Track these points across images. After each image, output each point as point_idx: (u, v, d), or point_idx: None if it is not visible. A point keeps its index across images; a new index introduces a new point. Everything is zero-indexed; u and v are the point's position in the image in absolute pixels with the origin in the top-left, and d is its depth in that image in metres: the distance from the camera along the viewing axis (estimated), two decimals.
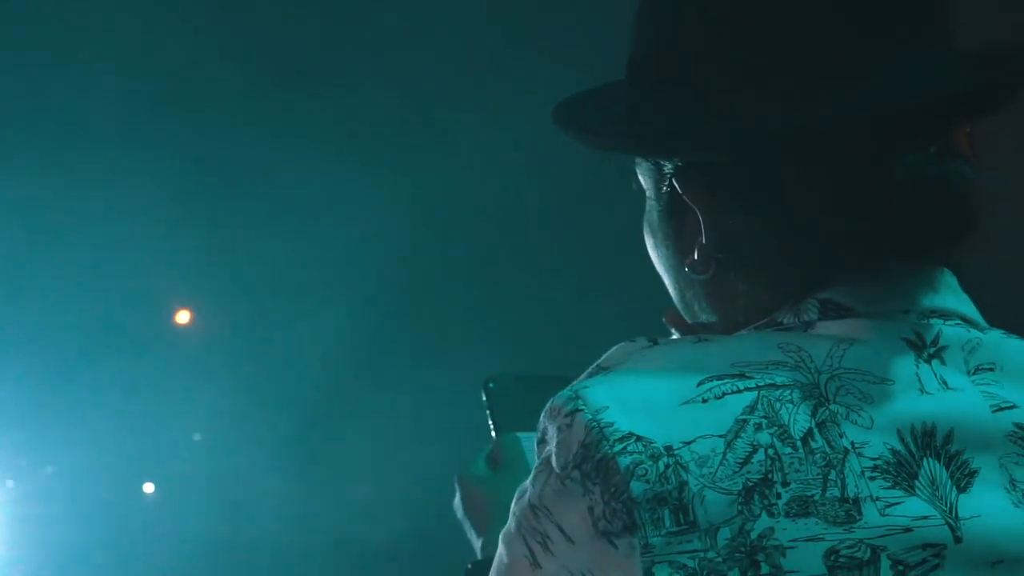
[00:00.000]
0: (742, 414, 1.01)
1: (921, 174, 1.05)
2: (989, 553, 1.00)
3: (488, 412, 1.59)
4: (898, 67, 1.05)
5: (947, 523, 1.00)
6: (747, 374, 1.03)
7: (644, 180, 1.21)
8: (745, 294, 1.12)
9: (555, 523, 1.03)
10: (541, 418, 1.09)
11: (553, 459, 1.04)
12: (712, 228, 1.12)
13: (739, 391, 1.02)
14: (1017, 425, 1.05)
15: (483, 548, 1.48)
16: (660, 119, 1.11)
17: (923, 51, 1.06)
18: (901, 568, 0.98)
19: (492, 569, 1.10)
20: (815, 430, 1.00)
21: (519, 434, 1.55)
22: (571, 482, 1.02)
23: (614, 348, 1.11)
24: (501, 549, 1.09)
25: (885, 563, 0.98)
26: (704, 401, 1.02)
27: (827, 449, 1.00)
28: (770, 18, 1.07)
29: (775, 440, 1.00)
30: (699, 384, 1.03)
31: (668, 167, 1.16)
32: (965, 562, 1.00)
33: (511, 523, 1.08)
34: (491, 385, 1.59)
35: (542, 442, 1.08)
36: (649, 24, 1.15)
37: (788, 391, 1.02)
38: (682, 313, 1.22)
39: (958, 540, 1.00)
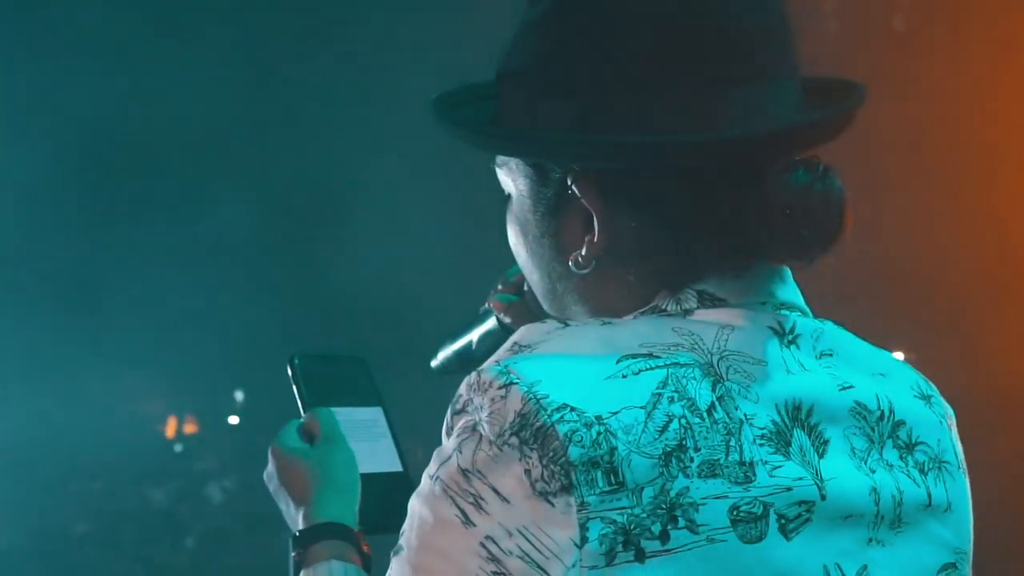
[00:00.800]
0: (656, 388, 1.18)
1: (809, 187, 1.24)
2: (843, 509, 1.21)
3: (295, 388, 1.68)
4: (768, 96, 1.25)
5: (815, 484, 1.20)
6: (654, 354, 1.20)
7: (515, 182, 1.35)
8: (627, 285, 1.29)
9: (489, 485, 1.16)
10: (460, 390, 1.21)
11: (484, 427, 1.17)
12: (603, 228, 1.28)
13: (652, 368, 1.19)
14: (856, 402, 1.27)
15: (305, 517, 1.57)
16: (565, 128, 1.26)
17: (784, 81, 1.27)
18: (783, 522, 1.18)
19: (408, 530, 1.21)
20: (716, 403, 1.19)
21: (332, 409, 1.65)
22: (508, 448, 1.16)
23: (525, 329, 1.25)
24: (420, 510, 1.20)
25: (772, 517, 1.18)
26: (624, 377, 1.18)
27: (727, 420, 1.18)
28: (667, 45, 1.24)
29: (686, 411, 1.17)
30: (618, 362, 1.19)
31: (557, 172, 1.30)
32: (827, 517, 1.20)
33: (433, 487, 1.19)
34: (296, 361, 1.68)
35: (461, 412, 1.20)
36: (540, 39, 1.29)
37: (691, 369, 1.19)
38: (546, 303, 1.37)
39: (823, 498, 1.20)
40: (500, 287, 1.61)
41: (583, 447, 1.15)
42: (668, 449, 1.16)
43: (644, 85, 1.23)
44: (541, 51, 1.28)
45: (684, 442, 1.16)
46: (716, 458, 1.17)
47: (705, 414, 1.18)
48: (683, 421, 1.17)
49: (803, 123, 1.25)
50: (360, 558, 1.53)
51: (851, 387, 1.27)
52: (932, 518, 1.27)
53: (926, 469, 1.28)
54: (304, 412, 1.68)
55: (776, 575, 1.17)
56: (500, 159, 1.37)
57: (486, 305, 1.62)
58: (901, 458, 1.27)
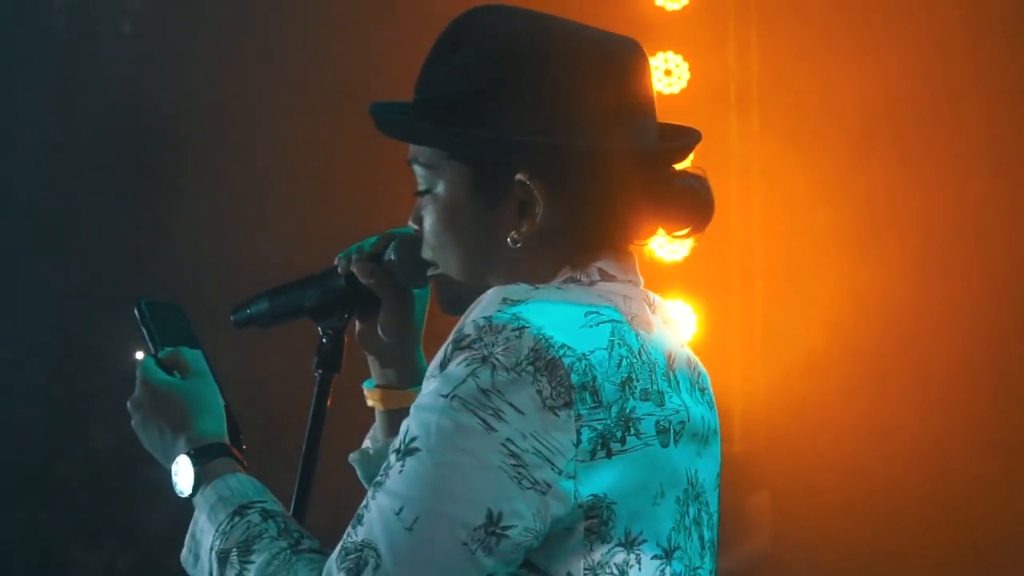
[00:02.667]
0: (610, 336, 1.69)
1: (692, 185, 1.81)
2: (693, 429, 1.78)
3: (145, 329, 1.97)
4: (652, 126, 1.82)
5: (686, 409, 1.77)
6: (600, 312, 1.71)
7: (445, 178, 1.80)
8: (542, 260, 1.78)
9: (507, 401, 1.62)
10: (465, 327, 1.65)
11: (499, 359, 1.62)
12: (543, 212, 1.76)
13: (604, 321, 1.70)
14: (687, 356, 1.84)
15: (189, 440, 1.88)
16: (529, 136, 1.74)
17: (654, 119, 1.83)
18: (673, 435, 1.73)
19: (424, 436, 1.63)
20: (641, 348, 1.72)
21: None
22: (524, 374, 1.62)
23: (502, 289, 1.71)
24: (437, 420, 1.62)
25: (672, 430, 1.73)
26: (591, 327, 1.69)
27: (649, 361, 1.72)
28: (598, 89, 1.77)
29: (629, 353, 1.70)
30: (585, 316, 1.69)
31: (501, 170, 1.77)
32: (688, 434, 1.77)
33: (450, 403, 1.62)
34: (143, 305, 1.98)
35: (466, 348, 1.64)
36: (495, 72, 1.75)
37: (623, 324, 1.72)
38: (464, 272, 1.81)
39: (688, 420, 1.77)
40: (355, 256, 2.00)
41: (578, 375, 1.64)
42: (623, 379, 1.68)
43: (583, 114, 1.75)
44: (501, 79, 1.75)
45: (631, 375, 1.69)
46: (647, 387, 1.71)
47: (638, 356, 1.71)
48: (628, 360, 1.69)
49: (681, 146, 1.82)
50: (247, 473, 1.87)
51: (683, 345, 1.85)
52: (716, 441, 1.87)
53: (711, 407, 1.88)
54: (155, 350, 1.97)
55: (671, 472, 1.73)
56: (425, 159, 1.81)
57: (336, 268, 2.01)
58: (703, 397, 1.86)
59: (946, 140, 6.26)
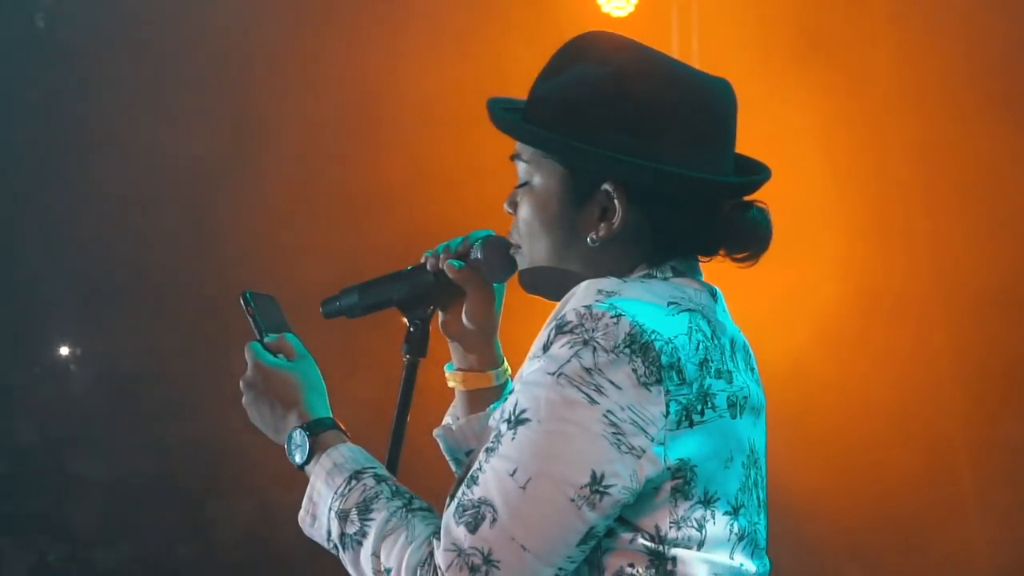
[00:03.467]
0: (688, 323, 2.00)
1: (756, 218, 2.12)
2: (754, 403, 2.09)
3: (252, 318, 2.25)
4: (730, 160, 2.12)
5: (747, 386, 2.08)
6: (679, 303, 2.02)
7: (542, 176, 2.09)
8: (619, 258, 2.08)
9: (607, 379, 1.92)
10: (567, 314, 1.95)
11: (599, 342, 1.92)
12: (622, 218, 2.06)
13: (683, 311, 2.01)
14: (743, 341, 2.15)
15: (300, 415, 2.16)
16: (624, 154, 2.03)
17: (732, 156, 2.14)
18: (739, 408, 2.04)
19: (533, 409, 1.92)
20: (713, 334, 2.03)
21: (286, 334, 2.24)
22: (622, 355, 1.92)
23: (595, 281, 2.01)
24: (546, 394, 1.92)
25: (739, 404, 2.04)
26: (674, 315, 1.99)
27: (719, 344, 2.03)
28: (689, 121, 2.07)
29: (704, 338, 2.01)
30: (668, 305, 2.00)
31: (592, 176, 2.06)
32: (750, 407, 2.08)
33: (557, 380, 1.91)
34: (248, 296, 2.25)
35: (568, 332, 1.94)
36: (608, 90, 2.04)
37: (697, 313, 2.03)
38: (546, 261, 2.11)
39: (750, 395, 2.08)
40: (440, 255, 2.29)
41: (667, 356, 1.94)
42: (701, 360, 1.99)
43: (676, 141, 2.06)
44: (608, 98, 2.05)
45: (707, 356, 2.00)
46: (719, 367, 2.02)
47: (711, 340, 2.02)
48: (704, 344, 2.00)
49: (758, 181, 2.13)
50: None
51: (739, 331, 2.16)
52: (764, 414, 2.18)
53: (760, 384, 2.19)
54: (261, 336, 2.24)
55: (737, 440, 2.04)
56: (528, 156, 2.11)
57: (424, 264, 2.30)
58: (755, 376, 2.17)
59: (882, 152, 6.70)
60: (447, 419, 2.38)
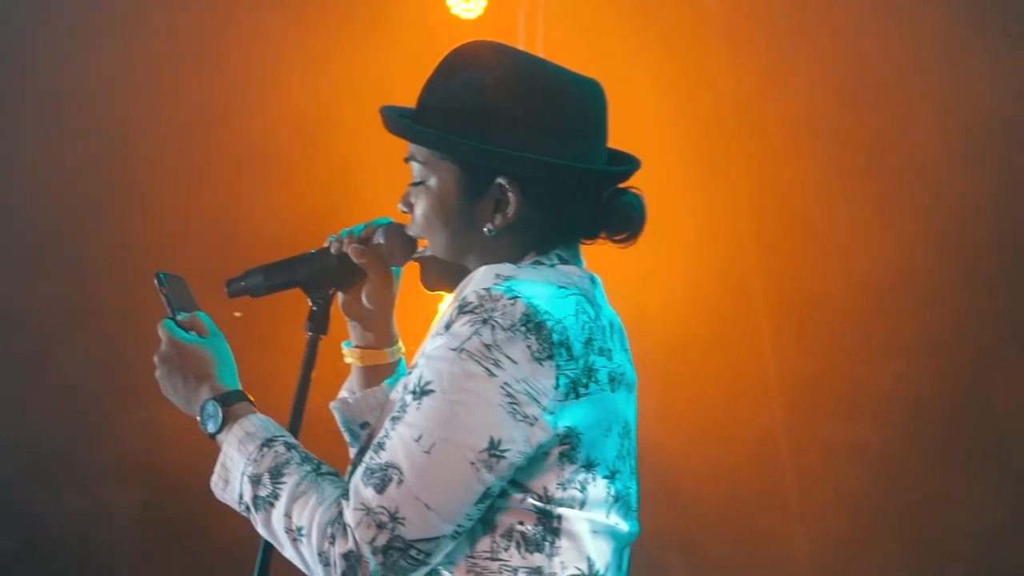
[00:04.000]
0: (575, 305, 2.24)
1: (631, 202, 2.37)
2: (628, 380, 2.34)
3: (166, 297, 2.43)
4: (605, 153, 2.37)
5: (624, 365, 2.33)
6: (567, 287, 2.26)
7: (438, 174, 2.32)
8: (510, 246, 2.32)
9: (504, 354, 2.15)
10: (468, 296, 2.18)
11: (498, 321, 2.16)
12: (516, 209, 2.30)
13: (571, 295, 2.25)
14: (620, 323, 2.40)
15: (212, 387, 2.35)
16: (509, 150, 2.27)
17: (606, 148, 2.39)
18: (617, 383, 2.29)
19: (437, 380, 2.14)
20: (597, 315, 2.28)
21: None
22: (519, 333, 2.16)
23: (492, 267, 2.25)
24: (448, 368, 2.14)
25: (617, 380, 2.29)
26: (562, 298, 2.23)
27: (601, 325, 2.28)
28: (570, 118, 2.32)
29: (589, 320, 2.25)
30: (557, 289, 2.24)
31: (487, 173, 2.30)
32: (625, 384, 2.32)
33: (459, 355, 2.14)
34: (162, 276, 2.44)
35: (470, 312, 2.17)
36: (499, 94, 2.28)
37: (583, 297, 2.27)
38: (447, 251, 2.34)
39: (625, 373, 2.33)
40: (344, 239, 2.50)
41: (557, 335, 2.19)
42: (586, 339, 2.23)
43: (559, 137, 2.30)
44: (497, 101, 2.29)
45: (591, 336, 2.24)
46: (602, 346, 2.26)
47: (595, 321, 2.27)
48: (589, 325, 2.25)
49: (631, 169, 2.38)
50: None
51: (616, 315, 2.41)
52: (635, 392, 2.43)
53: (632, 364, 2.44)
54: (174, 314, 2.43)
55: (615, 412, 2.29)
56: (423, 157, 2.34)
57: (328, 248, 2.50)
58: (629, 356, 2.42)
59: (722, 153, 7.04)
60: (343, 393, 2.59)
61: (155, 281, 2.45)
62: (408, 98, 2.41)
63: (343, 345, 2.58)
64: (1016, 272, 7.45)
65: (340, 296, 2.55)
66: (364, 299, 2.54)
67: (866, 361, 7.50)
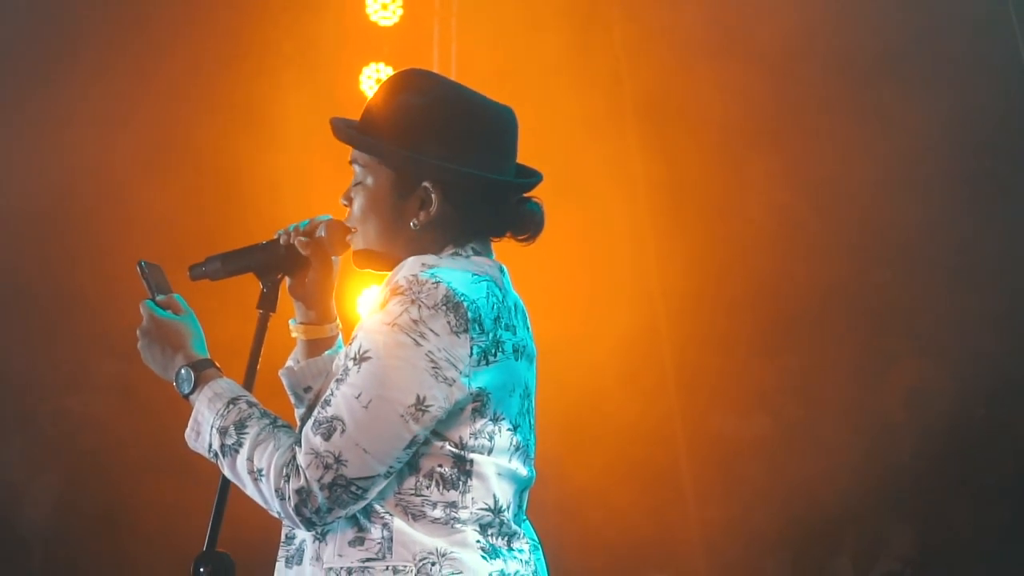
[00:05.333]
0: (487, 290, 2.81)
1: (533, 209, 2.94)
2: (529, 352, 2.91)
3: (147, 281, 2.97)
4: (513, 167, 2.95)
5: (526, 339, 2.90)
6: (479, 274, 2.83)
7: (375, 175, 2.88)
8: (432, 240, 2.88)
9: (428, 328, 2.72)
10: (399, 281, 2.75)
11: (423, 301, 2.72)
12: (437, 209, 2.87)
13: (483, 281, 2.82)
14: (523, 305, 2.97)
15: (186, 356, 2.90)
16: (441, 161, 2.84)
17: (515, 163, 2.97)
18: (519, 354, 2.86)
19: (373, 348, 2.70)
20: (504, 297, 2.85)
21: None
22: (440, 311, 2.72)
23: (419, 257, 2.81)
24: (383, 338, 2.70)
25: (520, 351, 2.86)
26: (475, 283, 2.81)
27: (507, 305, 2.85)
28: (487, 136, 2.90)
29: (497, 301, 2.82)
30: (472, 275, 2.81)
31: (416, 178, 2.86)
32: (526, 355, 2.89)
33: (392, 328, 2.70)
34: (143, 264, 2.97)
35: (400, 294, 2.73)
36: (423, 114, 2.85)
37: (493, 282, 2.84)
38: (379, 242, 2.90)
39: (527, 346, 2.90)
40: (292, 232, 3.04)
41: (472, 313, 2.75)
42: (495, 317, 2.80)
43: (476, 152, 2.87)
44: (427, 120, 2.86)
45: (499, 314, 2.81)
46: (508, 322, 2.83)
47: (502, 302, 2.84)
48: (497, 305, 2.82)
49: (534, 182, 2.95)
50: None
51: (519, 298, 2.98)
52: (534, 363, 2.99)
53: (532, 340, 3.01)
54: (153, 295, 2.97)
55: (518, 377, 2.85)
56: (363, 161, 2.90)
57: (278, 240, 3.05)
58: (529, 333, 2.99)
59: (626, 153, 7.62)
60: (290, 362, 3.14)
61: (137, 268, 2.98)
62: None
63: (289, 322, 3.13)
64: (904, 276, 8.13)
65: (287, 280, 3.09)
66: (307, 283, 3.08)
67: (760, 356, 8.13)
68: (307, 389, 3.08)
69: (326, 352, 3.10)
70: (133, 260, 3.03)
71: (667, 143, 7.70)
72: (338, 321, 3.15)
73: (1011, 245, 7.92)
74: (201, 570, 2.90)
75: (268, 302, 3.06)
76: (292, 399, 3.12)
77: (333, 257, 3.08)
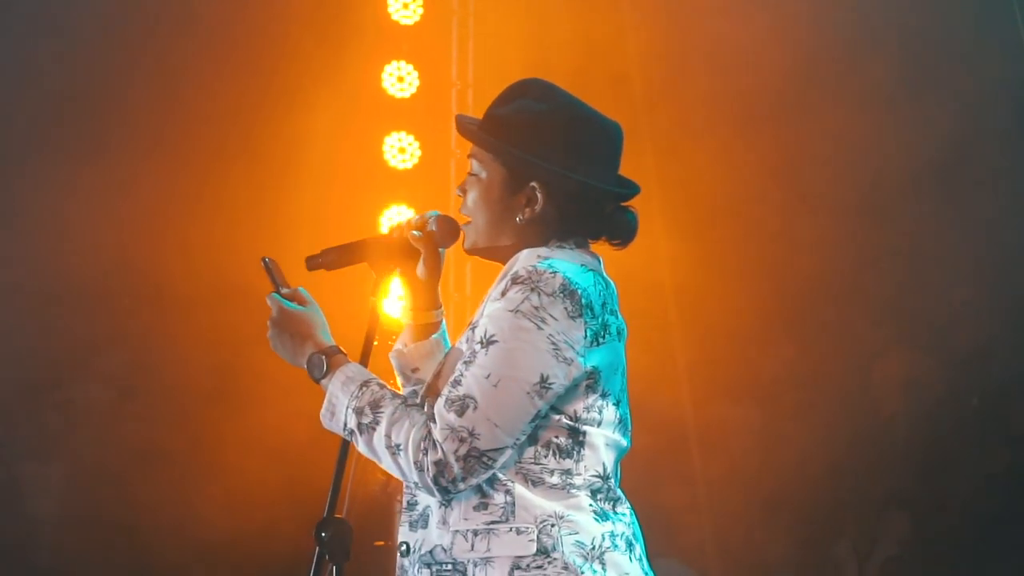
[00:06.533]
0: (593, 278, 3.15)
1: (629, 218, 3.27)
2: (624, 335, 3.24)
3: (271, 275, 3.28)
4: (615, 177, 3.28)
5: (623, 322, 3.24)
6: (586, 265, 3.17)
7: (489, 171, 3.21)
8: (536, 233, 3.20)
9: (548, 313, 3.04)
10: (518, 271, 3.08)
11: (542, 289, 3.05)
12: (541, 207, 3.19)
13: (589, 271, 3.16)
14: (616, 293, 3.31)
15: (316, 344, 3.22)
16: (543, 163, 3.17)
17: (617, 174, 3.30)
18: (621, 335, 3.19)
19: (499, 332, 3.03)
20: (607, 285, 3.19)
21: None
22: (557, 298, 3.05)
23: (534, 250, 3.16)
24: (508, 323, 3.03)
25: (621, 333, 3.19)
26: (584, 273, 3.14)
27: (610, 292, 3.18)
28: (596, 146, 3.24)
29: (602, 288, 3.15)
30: (581, 266, 3.15)
31: (526, 176, 3.19)
32: (623, 337, 3.22)
33: (515, 313, 3.03)
34: (267, 260, 3.29)
35: (521, 283, 3.06)
36: (541, 120, 3.19)
37: (597, 272, 3.18)
38: (486, 234, 3.22)
39: (623, 329, 3.23)
40: (404, 226, 3.36)
41: (585, 299, 3.08)
42: (602, 303, 3.13)
43: (583, 159, 3.20)
44: (543, 126, 3.19)
45: (605, 300, 3.14)
46: (612, 307, 3.17)
47: (606, 289, 3.17)
48: (603, 292, 3.15)
49: (632, 193, 3.28)
50: None
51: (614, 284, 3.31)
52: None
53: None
54: (278, 289, 3.29)
55: (619, 357, 3.18)
56: (480, 156, 3.23)
57: (390, 233, 3.37)
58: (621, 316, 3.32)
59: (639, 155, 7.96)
60: (398, 345, 3.47)
61: (262, 263, 3.29)
62: None
63: (398, 308, 3.45)
64: (894, 271, 8.48)
65: (398, 270, 3.41)
66: (417, 272, 3.41)
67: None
68: (415, 370, 3.41)
69: (432, 336, 3.44)
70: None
71: (677, 143, 8.04)
72: (442, 307, 3.47)
73: (1001, 238, 8.27)
74: (323, 535, 3.19)
75: (380, 290, 3.36)
76: (400, 379, 3.44)
77: (440, 248, 3.40)
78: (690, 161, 8.11)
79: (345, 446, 3.23)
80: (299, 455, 6.67)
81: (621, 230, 3.28)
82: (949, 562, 8.24)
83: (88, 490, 8.10)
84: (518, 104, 3.23)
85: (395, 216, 7.63)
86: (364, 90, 7.62)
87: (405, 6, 7.62)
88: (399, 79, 7.71)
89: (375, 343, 3.34)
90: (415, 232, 3.37)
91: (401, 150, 7.69)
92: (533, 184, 3.20)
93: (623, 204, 3.29)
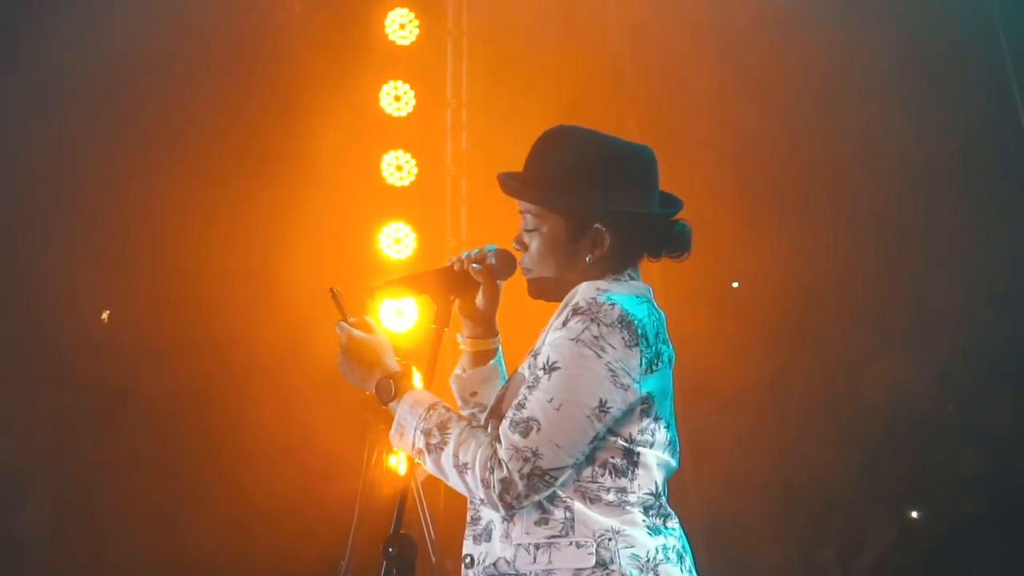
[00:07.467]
0: (648, 309, 3.43)
1: (683, 230, 3.54)
2: (673, 362, 3.53)
3: (338, 304, 3.54)
4: (664, 201, 3.57)
5: (672, 350, 3.52)
6: (641, 296, 3.45)
7: (547, 221, 3.48)
8: (599, 270, 3.48)
9: (607, 342, 3.31)
10: (579, 303, 3.35)
11: (602, 319, 3.32)
12: (609, 245, 3.47)
13: (644, 302, 3.44)
14: (665, 321, 3.59)
15: (384, 369, 3.48)
16: (602, 205, 3.45)
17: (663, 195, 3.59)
18: (672, 362, 3.48)
19: (560, 360, 3.30)
20: (660, 316, 3.47)
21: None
22: (616, 328, 3.32)
23: (592, 283, 3.43)
24: (569, 351, 3.30)
25: (671, 360, 3.47)
26: (639, 304, 3.42)
27: (662, 322, 3.46)
28: (644, 180, 3.52)
29: (656, 319, 3.43)
30: (636, 298, 3.43)
31: (590, 220, 3.46)
32: (672, 364, 3.51)
33: (576, 343, 3.29)
34: (334, 291, 3.55)
35: (581, 314, 3.33)
36: (592, 161, 3.47)
37: (651, 303, 3.47)
38: (554, 285, 3.49)
39: (673, 356, 3.52)
40: (464, 259, 3.63)
41: (640, 329, 3.36)
42: (655, 332, 3.41)
43: (632, 191, 3.48)
44: (588, 171, 3.46)
45: (658, 330, 3.42)
46: (664, 336, 3.45)
47: (659, 320, 3.45)
48: (656, 323, 3.43)
49: (678, 209, 3.55)
50: None
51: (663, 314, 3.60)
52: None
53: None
54: (346, 318, 3.55)
55: (669, 383, 3.46)
56: (535, 212, 3.49)
57: (451, 266, 3.63)
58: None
59: None
60: (457, 370, 3.74)
61: (330, 293, 3.54)
62: None
63: (458, 336, 3.72)
64: (883, 277, 8.72)
65: (457, 301, 3.68)
66: (476, 303, 3.68)
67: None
68: (473, 393, 3.68)
69: (490, 362, 3.71)
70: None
71: (672, 151, 8.29)
72: (499, 335, 3.74)
73: (989, 244, 8.54)
74: (390, 550, 3.45)
75: (442, 318, 3.62)
76: (459, 402, 3.70)
77: (498, 281, 3.67)
78: (675, 169, 8.32)
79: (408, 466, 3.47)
80: None
81: (679, 243, 3.54)
82: (935, 566, 8.52)
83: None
84: (560, 155, 3.48)
85: (394, 232, 7.88)
86: (362, 109, 7.84)
87: (402, 27, 7.88)
88: (396, 98, 7.95)
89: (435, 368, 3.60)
90: (475, 265, 3.63)
91: (398, 168, 7.94)
92: (597, 226, 3.46)
93: (673, 219, 3.55)
